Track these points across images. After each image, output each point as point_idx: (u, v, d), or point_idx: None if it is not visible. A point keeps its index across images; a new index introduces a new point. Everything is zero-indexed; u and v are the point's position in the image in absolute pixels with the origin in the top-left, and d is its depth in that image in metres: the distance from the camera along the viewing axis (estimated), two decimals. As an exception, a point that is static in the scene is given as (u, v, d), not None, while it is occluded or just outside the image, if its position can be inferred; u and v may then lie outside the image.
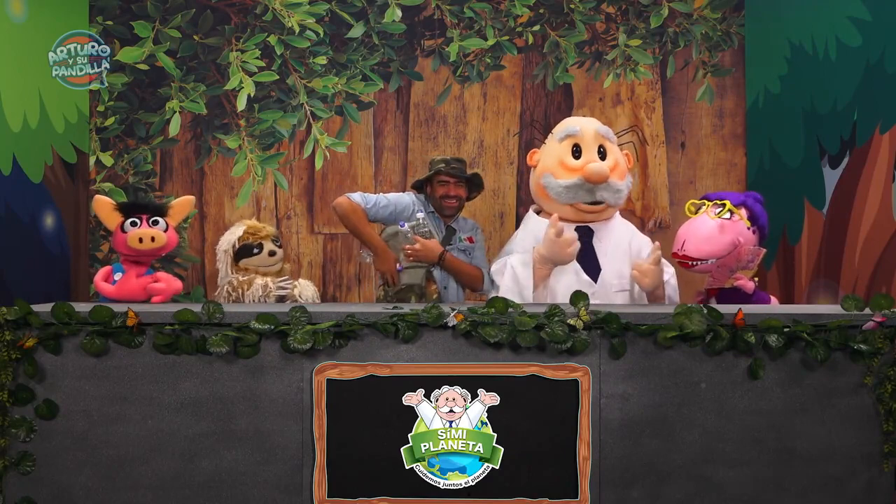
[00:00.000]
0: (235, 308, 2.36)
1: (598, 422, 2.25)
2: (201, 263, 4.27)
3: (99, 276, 2.64)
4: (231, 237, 3.03)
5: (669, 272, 2.97)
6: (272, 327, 2.23)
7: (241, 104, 4.24)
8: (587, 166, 2.87)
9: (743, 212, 2.81)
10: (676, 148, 4.28)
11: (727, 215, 2.77)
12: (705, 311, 2.25)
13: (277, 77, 4.24)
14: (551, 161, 2.96)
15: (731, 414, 2.26)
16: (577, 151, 2.93)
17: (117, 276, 2.62)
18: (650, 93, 4.28)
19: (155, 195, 4.26)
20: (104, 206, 2.62)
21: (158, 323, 2.25)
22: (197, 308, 2.26)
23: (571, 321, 2.23)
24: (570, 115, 4.23)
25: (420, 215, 3.10)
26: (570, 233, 2.81)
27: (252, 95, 4.24)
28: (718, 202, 2.82)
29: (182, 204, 2.69)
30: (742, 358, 2.27)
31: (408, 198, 3.23)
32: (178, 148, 4.28)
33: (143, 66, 4.23)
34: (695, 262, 2.77)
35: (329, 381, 2.24)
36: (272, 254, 3.00)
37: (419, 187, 3.31)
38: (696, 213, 2.84)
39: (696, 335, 2.22)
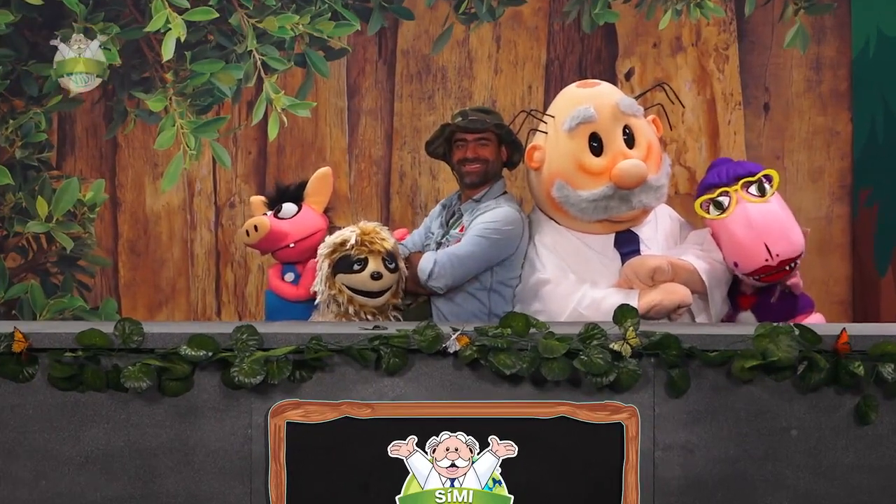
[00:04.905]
0: (159, 328, 2.37)
1: (651, 481, 2.26)
2: (113, 267, 4.26)
3: (274, 274, 3.16)
4: (333, 238, 2.97)
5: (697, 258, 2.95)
6: (209, 354, 2.24)
7: (168, 52, 4.24)
8: (617, 167, 2.85)
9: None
10: (758, 111, 4.30)
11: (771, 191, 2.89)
12: (797, 332, 2.26)
13: (217, 15, 4.24)
14: (564, 163, 2.94)
15: (833, 471, 2.28)
16: (596, 143, 2.92)
17: (287, 277, 3.11)
18: (722, 36, 4.29)
19: (50, 175, 4.25)
20: (258, 208, 3.20)
21: (56, 348, 2.25)
22: (108, 328, 2.27)
23: (615, 346, 2.24)
24: (612, 67, 4.26)
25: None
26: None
27: (182, 40, 4.25)
28: (750, 178, 2.88)
29: (319, 179, 3.19)
30: (847, 395, 2.28)
31: None
32: (81, 111, 4.28)
33: (36, 1, 4.23)
34: (792, 265, 2.84)
35: (290, 425, 2.25)
36: (376, 276, 2.89)
37: (441, 155, 3.25)
38: (724, 208, 2.86)
39: (785, 365, 2.23)
